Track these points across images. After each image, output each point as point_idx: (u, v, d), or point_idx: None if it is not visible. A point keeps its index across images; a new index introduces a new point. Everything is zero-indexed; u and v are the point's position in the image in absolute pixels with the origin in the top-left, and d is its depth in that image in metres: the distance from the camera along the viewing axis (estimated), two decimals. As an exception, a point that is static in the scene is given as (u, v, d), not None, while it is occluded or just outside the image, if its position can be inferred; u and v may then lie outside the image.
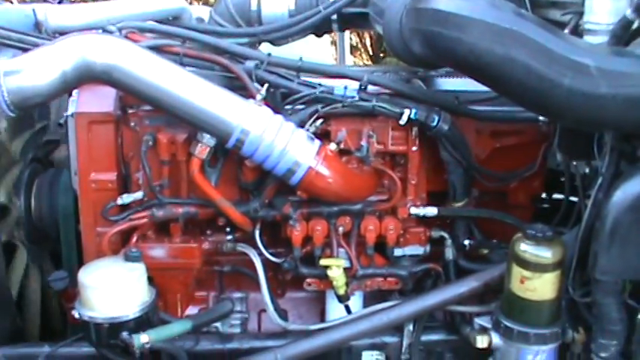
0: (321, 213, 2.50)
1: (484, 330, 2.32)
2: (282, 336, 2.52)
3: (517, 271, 2.21)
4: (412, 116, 2.38)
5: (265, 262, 2.58)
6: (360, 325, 2.40)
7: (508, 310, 2.26)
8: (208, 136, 2.32)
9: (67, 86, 2.20)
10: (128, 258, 2.33)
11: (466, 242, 2.58)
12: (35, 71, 2.13)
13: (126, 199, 2.50)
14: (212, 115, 2.26)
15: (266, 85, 2.37)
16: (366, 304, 2.63)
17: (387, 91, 2.46)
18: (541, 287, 2.19)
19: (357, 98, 2.39)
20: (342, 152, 2.42)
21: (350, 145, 2.42)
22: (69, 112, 2.52)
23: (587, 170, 2.44)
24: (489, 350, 2.32)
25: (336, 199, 2.45)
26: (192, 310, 2.67)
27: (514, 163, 2.58)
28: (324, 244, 2.52)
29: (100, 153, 2.52)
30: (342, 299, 2.53)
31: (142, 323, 2.31)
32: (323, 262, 2.49)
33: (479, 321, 2.36)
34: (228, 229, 2.61)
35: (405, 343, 2.48)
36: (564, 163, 2.50)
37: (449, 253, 2.57)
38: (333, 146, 2.37)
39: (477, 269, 2.53)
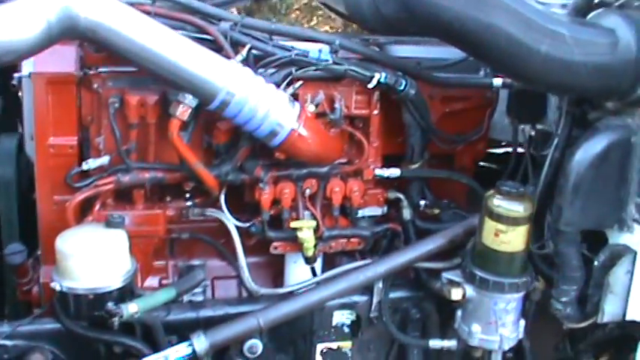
0: (290, 176, 2.51)
1: (456, 283, 2.45)
2: (252, 301, 2.52)
3: (491, 225, 2.35)
4: (382, 80, 2.45)
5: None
6: (338, 284, 2.45)
7: (482, 262, 2.39)
8: (191, 97, 2.26)
9: (49, 42, 2.07)
10: (110, 224, 2.24)
11: (422, 203, 2.70)
12: (16, 22, 1.99)
13: (92, 163, 2.39)
14: (197, 76, 2.21)
15: (247, 46, 2.35)
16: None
17: (354, 55, 2.52)
18: (515, 239, 2.34)
19: (330, 62, 2.43)
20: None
21: (326, 107, 2.45)
22: (24, 73, 2.35)
23: (532, 133, 2.65)
24: (458, 302, 2.46)
25: (314, 161, 2.48)
26: (151, 280, 2.59)
27: (460, 128, 2.71)
28: (291, 208, 2.54)
29: (60, 116, 2.38)
30: (310, 261, 2.56)
31: (126, 293, 2.24)
32: (294, 224, 2.51)
33: (447, 275, 2.49)
34: (187, 195, 2.57)
35: (375, 300, 2.56)
36: (513, 126, 2.68)
37: (406, 213, 2.67)
38: (311, 108, 2.40)
39: (432, 228, 2.66)
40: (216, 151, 2.48)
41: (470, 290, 2.42)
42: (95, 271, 2.18)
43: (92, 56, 2.40)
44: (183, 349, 2.30)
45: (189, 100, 2.27)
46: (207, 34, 2.37)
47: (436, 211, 2.73)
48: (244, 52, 2.34)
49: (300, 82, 2.40)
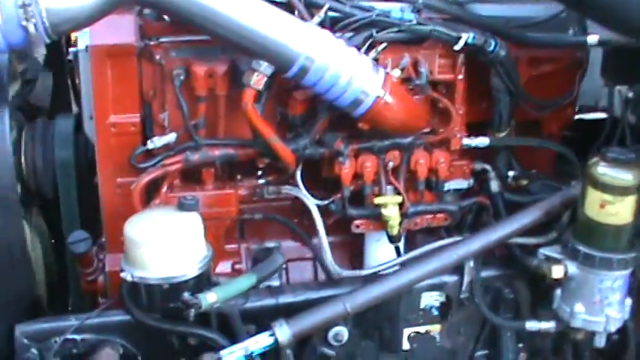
0: (372, 148, 2.31)
1: (556, 260, 2.25)
2: (334, 285, 2.33)
3: (596, 196, 2.14)
4: (470, 41, 2.24)
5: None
6: (429, 264, 2.24)
7: (585, 237, 2.19)
8: (266, 64, 2.05)
9: (111, 7, 1.90)
10: (183, 207, 2.04)
11: (510, 174, 2.49)
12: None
13: (157, 142, 2.21)
14: (274, 40, 2.02)
15: (325, 7, 2.14)
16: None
17: (436, 15, 2.31)
18: (623, 211, 2.14)
19: (414, 22, 2.22)
20: (398, 80, 2.24)
21: (411, 72, 2.24)
22: (80, 46, 2.17)
23: (630, 94, 2.43)
24: (557, 281, 2.26)
25: (400, 130, 2.28)
26: (223, 265, 2.42)
27: (548, 92, 2.50)
28: (373, 182, 2.34)
29: (120, 91, 2.19)
30: (395, 239, 2.37)
31: (202, 282, 2.05)
32: (378, 199, 2.31)
33: (545, 252, 2.29)
34: (259, 173, 2.38)
35: (466, 280, 2.36)
36: (609, 87, 2.47)
37: (494, 185, 2.46)
38: (397, 73, 2.19)
39: (523, 201, 2.45)
40: (292, 123, 2.28)
41: (572, 267, 2.21)
42: (170, 259, 1.99)
43: (152, 25, 2.22)
44: (264, 339, 2.11)
45: (265, 68, 2.06)
46: (279, -6, 2.17)
47: (524, 182, 2.52)
48: (322, 13, 2.13)
49: (384, 45, 2.19)
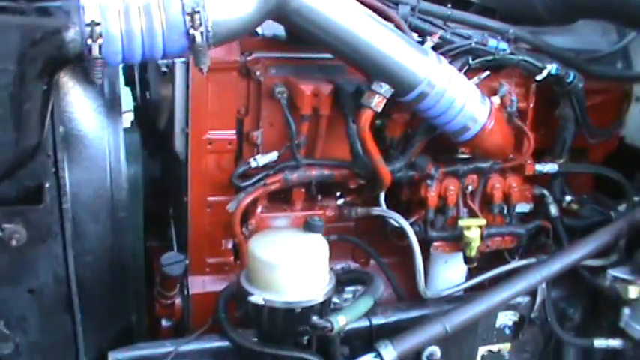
0: (456, 172, 2.36)
1: (629, 281, 2.37)
2: (422, 305, 2.35)
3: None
4: (553, 72, 2.34)
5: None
6: (517, 284, 2.30)
7: (659, 259, 2.34)
8: (387, 86, 2.05)
9: (263, 18, 1.85)
10: (311, 228, 2.01)
11: (567, 198, 2.60)
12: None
13: (260, 160, 2.16)
14: (400, 64, 2.02)
15: (439, 33, 2.18)
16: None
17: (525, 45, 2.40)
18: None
19: (508, 52, 2.29)
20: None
21: (507, 100, 2.31)
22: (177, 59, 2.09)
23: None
24: (627, 300, 2.39)
25: (497, 156, 2.34)
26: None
27: (597, 121, 2.63)
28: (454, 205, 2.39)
29: (219, 107, 2.14)
30: (472, 261, 2.41)
31: (326, 306, 2.02)
32: (463, 222, 2.35)
33: (614, 273, 2.41)
34: (338, 194, 2.37)
35: (539, 300, 2.45)
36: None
37: (553, 209, 2.56)
38: (497, 100, 2.26)
39: (579, 225, 2.58)
40: (390, 145, 2.29)
41: (646, 288, 2.35)
42: (305, 282, 1.95)
43: (250, 41, 2.17)
44: (370, 360, 2.11)
45: (385, 90, 2.05)
46: (388, 19, 2.17)
47: (574, 206, 2.64)
48: (435, 38, 2.16)
49: (487, 73, 2.25)
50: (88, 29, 1.62)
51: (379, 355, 2.11)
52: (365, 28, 1.98)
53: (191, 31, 1.69)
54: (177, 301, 2.27)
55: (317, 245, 1.99)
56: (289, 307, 1.95)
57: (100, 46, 1.64)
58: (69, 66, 1.85)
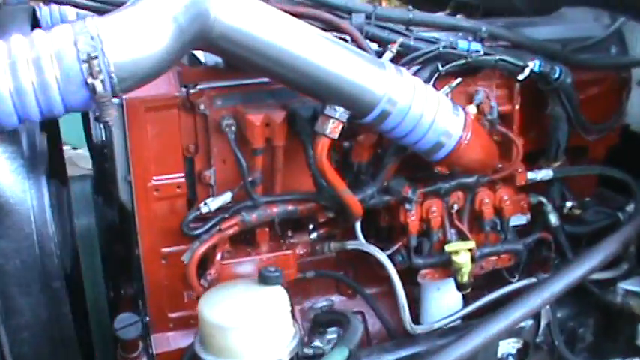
0: (438, 191, 2.13)
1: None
2: (411, 343, 2.12)
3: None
4: (535, 69, 2.09)
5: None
6: (514, 310, 2.06)
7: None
8: (342, 109, 1.81)
9: (179, 54, 1.63)
10: (266, 280, 1.78)
11: (568, 204, 2.35)
12: (145, 30, 1.54)
13: (212, 204, 1.94)
14: (353, 83, 1.79)
15: (399, 42, 1.94)
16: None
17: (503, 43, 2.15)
18: None
19: (481, 53, 2.04)
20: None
21: (484, 107, 2.07)
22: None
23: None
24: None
25: (479, 171, 2.11)
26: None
27: (594, 115, 2.37)
28: (439, 228, 2.16)
29: (162, 149, 1.92)
30: (464, 287, 2.17)
31: (295, 363, 1.80)
32: (449, 247, 2.12)
33: (625, 286, 2.17)
34: (311, 227, 2.14)
35: (543, 323, 2.20)
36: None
37: (553, 218, 2.32)
38: (473, 109, 2.01)
39: (581, 232, 2.33)
40: (359, 170, 2.06)
41: (662, 302, 2.10)
42: (264, 344, 1.72)
43: (191, 71, 1.95)
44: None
45: (341, 114, 1.82)
46: (340, 30, 1.94)
47: (577, 211, 2.39)
48: (394, 48, 1.93)
49: (459, 80, 2.01)
50: None
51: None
52: (307, 46, 1.74)
53: (90, 80, 1.47)
54: (143, 361, 2.07)
55: (274, 300, 1.76)
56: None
57: None
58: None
